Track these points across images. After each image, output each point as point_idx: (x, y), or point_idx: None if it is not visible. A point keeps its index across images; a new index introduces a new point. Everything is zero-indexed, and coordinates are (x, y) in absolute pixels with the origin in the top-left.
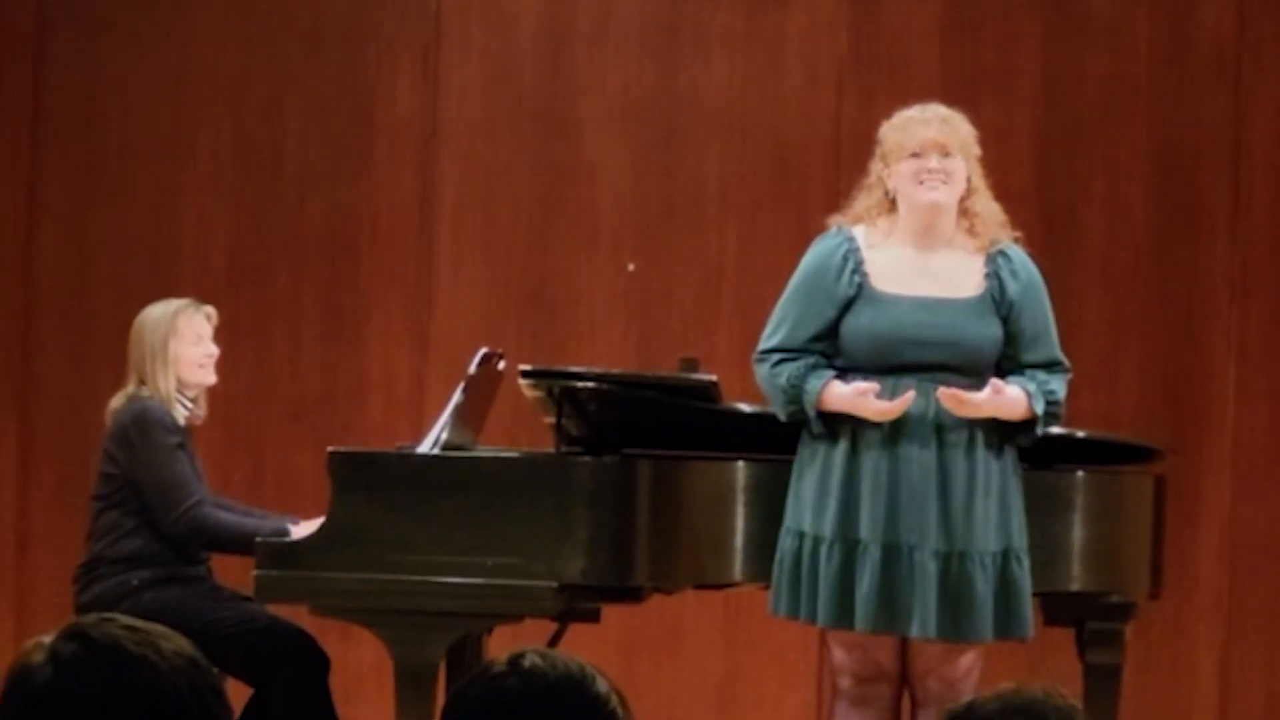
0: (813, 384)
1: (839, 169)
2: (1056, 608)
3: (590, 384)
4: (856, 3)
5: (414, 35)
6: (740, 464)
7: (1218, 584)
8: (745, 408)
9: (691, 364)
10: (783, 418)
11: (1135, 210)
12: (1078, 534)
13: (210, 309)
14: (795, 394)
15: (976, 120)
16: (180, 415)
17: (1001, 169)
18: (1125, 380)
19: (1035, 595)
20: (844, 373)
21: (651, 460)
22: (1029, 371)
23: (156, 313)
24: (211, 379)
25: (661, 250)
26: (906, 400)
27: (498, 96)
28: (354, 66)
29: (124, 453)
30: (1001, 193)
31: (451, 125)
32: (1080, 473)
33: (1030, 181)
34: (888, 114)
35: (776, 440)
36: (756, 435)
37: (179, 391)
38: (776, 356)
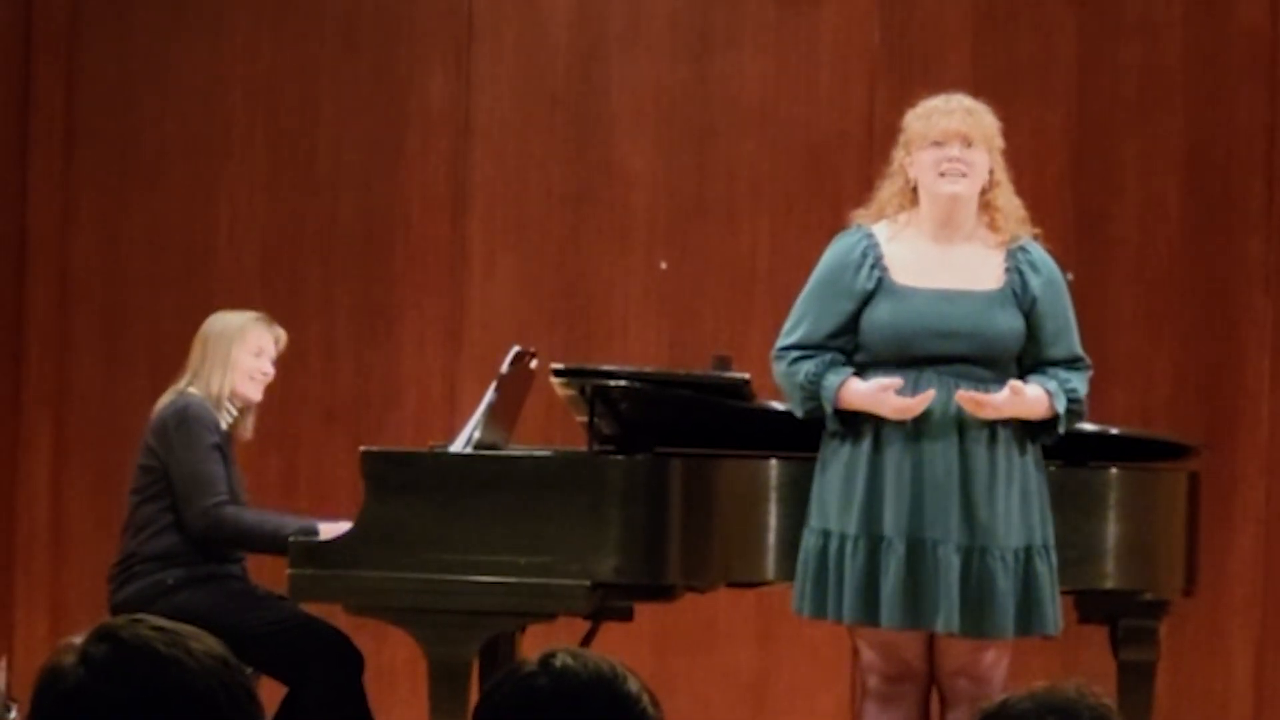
0: (831, 380)
1: (872, 165)
2: (1090, 605)
3: (623, 382)
4: None
5: (447, 32)
6: (773, 462)
7: (1253, 580)
8: (778, 406)
9: (724, 362)
10: (800, 414)
11: (1169, 205)
12: (1112, 531)
13: (281, 332)
14: (814, 390)
15: (1009, 115)
16: (224, 420)
17: (1035, 163)
18: (1159, 376)
19: (1069, 593)
20: (863, 368)
21: (684, 459)
22: (1050, 370)
23: (228, 317)
24: (258, 396)
25: (694, 247)
26: (926, 398)
27: (530, 93)
28: (387, 63)
29: (162, 445)
30: (1035, 187)
31: (484, 122)
32: (1114, 470)
33: (1064, 176)
34: None
35: (809, 438)
36: (789, 433)
37: (228, 399)
38: (794, 354)
